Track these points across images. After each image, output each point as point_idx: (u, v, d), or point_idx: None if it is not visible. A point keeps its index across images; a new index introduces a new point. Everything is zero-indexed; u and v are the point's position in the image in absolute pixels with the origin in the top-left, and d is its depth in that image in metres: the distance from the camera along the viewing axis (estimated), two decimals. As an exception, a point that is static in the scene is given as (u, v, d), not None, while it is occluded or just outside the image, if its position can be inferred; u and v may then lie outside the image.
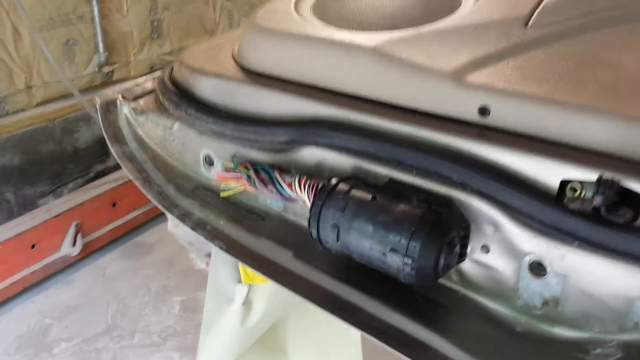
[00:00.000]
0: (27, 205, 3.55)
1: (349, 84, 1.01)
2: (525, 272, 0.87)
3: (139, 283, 3.30)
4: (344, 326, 0.92)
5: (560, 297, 0.85)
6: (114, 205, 3.49)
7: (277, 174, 1.01)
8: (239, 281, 1.31)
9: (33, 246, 3.12)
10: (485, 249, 0.90)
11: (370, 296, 0.93)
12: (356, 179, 0.96)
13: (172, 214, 1.10)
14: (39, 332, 2.93)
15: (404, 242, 0.85)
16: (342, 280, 0.96)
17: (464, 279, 0.93)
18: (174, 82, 1.17)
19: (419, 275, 0.86)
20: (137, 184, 1.14)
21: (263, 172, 1.03)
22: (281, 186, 1.00)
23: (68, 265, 3.33)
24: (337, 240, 0.91)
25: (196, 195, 1.13)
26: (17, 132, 3.46)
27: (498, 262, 0.89)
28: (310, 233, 0.93)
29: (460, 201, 0.89)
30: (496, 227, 0.87)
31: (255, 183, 1.03)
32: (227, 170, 1.09)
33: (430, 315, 0.91)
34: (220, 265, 1.33)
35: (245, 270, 1.29)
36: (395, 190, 0.92)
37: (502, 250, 0.88)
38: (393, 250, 0.86)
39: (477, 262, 0.91)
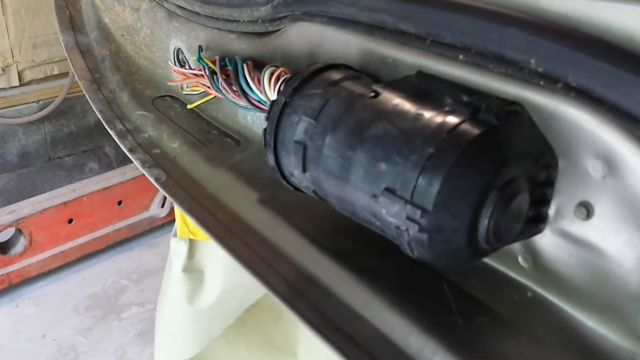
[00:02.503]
0: (128, 162, 3.42)
1: None
2: (666, 263, 0.41)
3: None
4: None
5: None
6: (210, 169, 3.24)
7: (245, 67, 0.62)
8: (175, 234, 0.92)
9: (120, 203, 2.95)
10: (585, 209, 0.45)
11: (358, 277, 0.51)
12: (362, 72, 0.54)
13: (112, 129, 0.75)
14: (112, 293, 2.75)
15: (409, 175, 0.43)
16: (322, 248, 0.55)
17: (540, 267, 0.49)
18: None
19: (435, 245, 0.43)
20: (82, 85, 0.80)
21: (229, 66, 0.64)
22: (246, 83, 0.61)
23: (155, 227, 3.13)
24: (304, 170, 0.50)
25: (155, 107, 0.77)
26: (123, 84, 3.32)
27: (608, 237, 0.44)
28: (267, 157, 0.53)
29: (541, 110, 0.45)
30: (610, 165, 0.42)
31: (217, 82, 0.64)
32: (192, 67, 0.71)
33: (461, 327, 0.47)
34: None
35: (183, 218, 0.90)
36: (421, 88, 0.49)
37: (618, 215, 0.43)
38: (389, 191, 0.44)
39: (567, 236, 0.46)
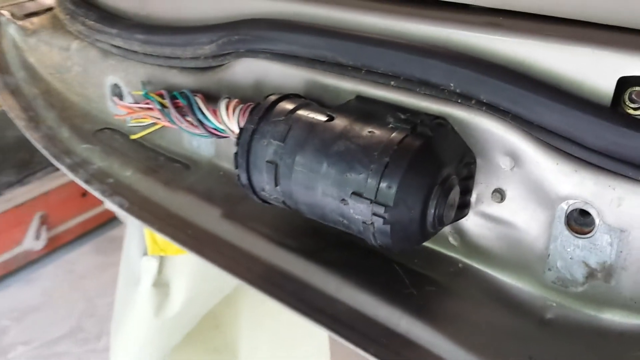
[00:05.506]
0: (-7, 197, 3.24)
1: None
2: (561, 227, 0.56)
3: (109, 280, 2.99)
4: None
5: (615, 265, 0.54)
6: (84, 195, 3.15)
7: (198, 100, 0.71)
8: (145, 253, 1.00)
9: (-11, 238, 2.81)
10: (499, 195, 0.59)
11: (326, 269, 0.62)
12: (307, 98, 0.66)
13: (62, 163, 0.80)
14: (-6, 335, 2.63)
15: (372, 181, 0.54)
16: (289, 248, 0.66)
17: (466, 243, 0.63)
18: (76, -9, 0.87)
19: (396, 233, 0.55)
20: (19, 124, 0.84)
21: (181, 99, 0.72)
22: (203, 114, 0.70)
23: (31, 261, 3.00)
24: (276, 184, 0.61)
25: (98, 140, 0.83)
26: (-21, 115, 3.14)
27: (518, 214, 0.59)
28: (239, 177, 0.63)
29: (460, 122, 0.58)
30: (516, 159, 0.57)
31: (170, 114, 0.72)
32: (136, 101, 0.78)
33: (416, 297, 0.60)
34: (132, 234, 1.02)
35: (153, 237, 0.98)
36: (364, 110, 0.62)
37: (524, 196, 0.58)
38: (356, 194, 0.55)
39: (486, 216, 0.61)
